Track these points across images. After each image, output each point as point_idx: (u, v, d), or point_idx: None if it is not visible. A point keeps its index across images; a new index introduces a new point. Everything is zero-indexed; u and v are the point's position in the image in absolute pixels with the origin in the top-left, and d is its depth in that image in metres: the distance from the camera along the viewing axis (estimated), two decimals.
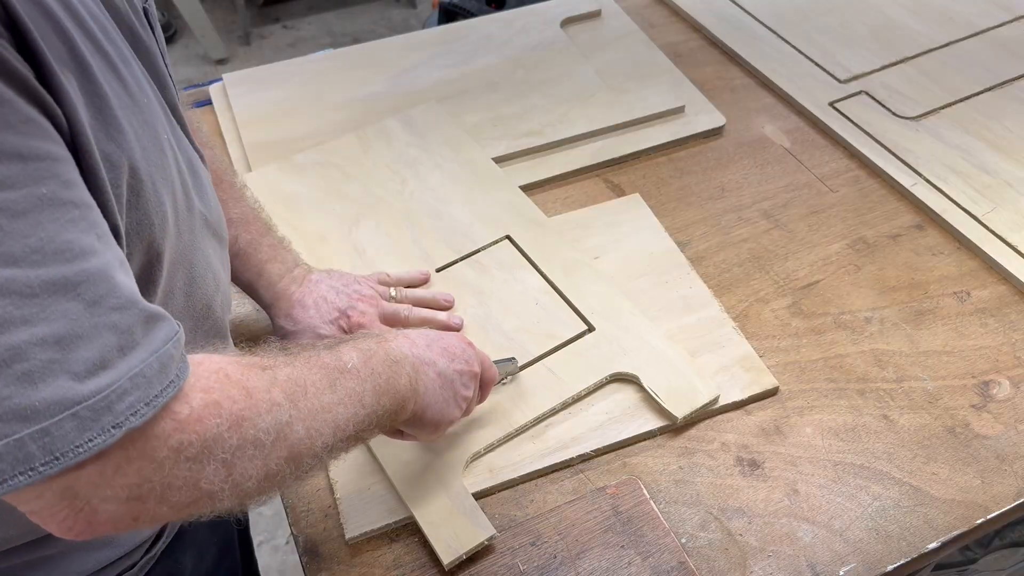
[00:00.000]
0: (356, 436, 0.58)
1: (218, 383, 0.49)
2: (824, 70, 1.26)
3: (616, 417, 0.82)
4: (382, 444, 0.78)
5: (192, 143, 0.66)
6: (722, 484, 0.78)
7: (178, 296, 0.61)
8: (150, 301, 0.48)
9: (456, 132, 1.13)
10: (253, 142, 1.14)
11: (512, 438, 0.80)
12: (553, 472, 0.79)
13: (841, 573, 0.72)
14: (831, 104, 1.20)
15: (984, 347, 0.89)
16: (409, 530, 0.75)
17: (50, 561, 0.64)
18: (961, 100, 1.20)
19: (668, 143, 1.15)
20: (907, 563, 0.73)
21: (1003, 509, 0.76)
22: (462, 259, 0.97)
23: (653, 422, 0.82)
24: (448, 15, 2.15)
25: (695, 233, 1.03)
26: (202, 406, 0.47)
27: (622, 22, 1.37)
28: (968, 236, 1.00)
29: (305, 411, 0.53)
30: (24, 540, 0.61)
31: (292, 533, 0.76)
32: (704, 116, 1.18)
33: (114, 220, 0.49)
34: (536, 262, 0.96)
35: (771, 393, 0.85)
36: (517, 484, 0.78)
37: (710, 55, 1.33)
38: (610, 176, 1.11)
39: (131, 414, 0.43)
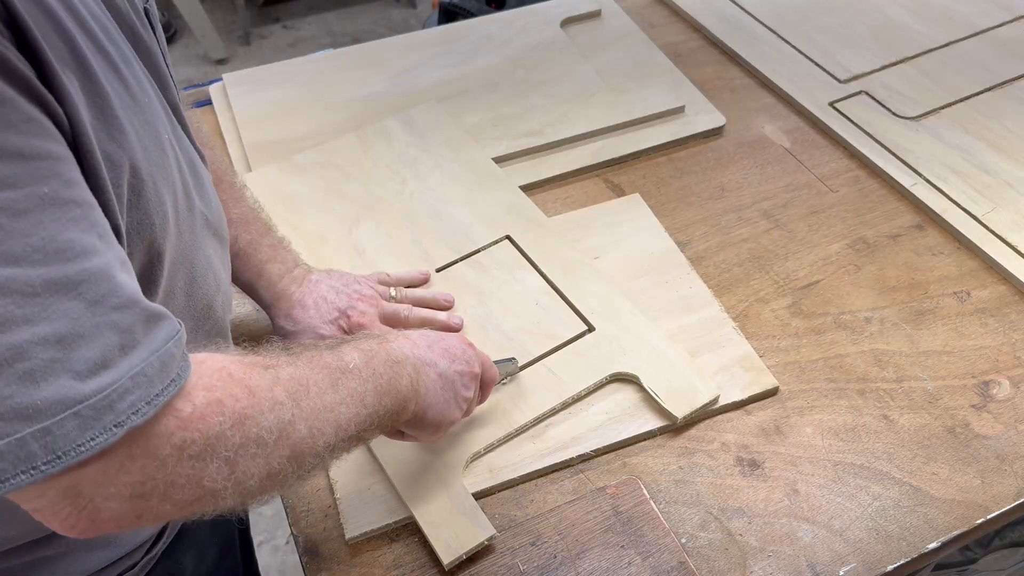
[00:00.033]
0: (358, 436, 0.58)
1: (221, 381, 0.49)
2: (824, 70, 1.26)
3: (616, 417, 0.82)
4: (382, 444, 0.78)
5: (193, 143, 0.66)
6: (722, 484, 0.78)
7: (179, 296, 0.61)
8: (151, 301, 0.48)
9: (456, 132, 1.13)
10: (253, 142, 1.14)
11: (512, 438, 0.81)
12: (553, 472, 0.79)
13: (841, 573, 0.72)
14: (831, 104, 1.20)
15: (984, 347, 0.89)
16: (409, 530, 0.75)
17: (51, 561, 0.64)
18: (961, 100, 1.20)
19: (668, 143, 1.15)
20: (907, 563, 0.73)
21: (1003, 509, 0.76)
22: (462, 259, 0.97)
23: (653, 422, 0.82)
24: (448, 15, 2.15)
25: (695, 233, 1.03)
26: (205, 404, 0.47)
27: (622, 22, 1.37)
28: (968, 236, 1.00)
29: (307, 410, 0.54)
30: (25, 540, 0.61)
31: (292, 533, 0.76)
32: (704, 116, 1.18)
33: (115, 220, 0.49)
34: (536, 262, 0.96)
35: (771, 393, 0.85)
36: (517, 484, 0.78)
37: (710, 55, 1.33)
38: (610, 176, 1.11)
39: (132, 413, 0.43)
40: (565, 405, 0.83)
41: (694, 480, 0.78)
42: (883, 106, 1.19)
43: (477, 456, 0.79)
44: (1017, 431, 0.82)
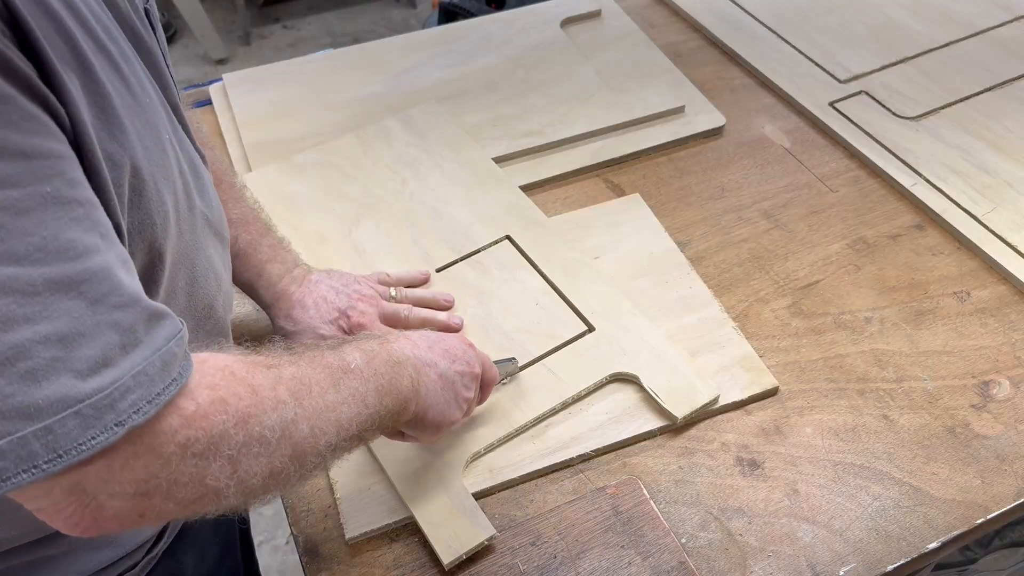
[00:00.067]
0: (359, 436, 0.58)
1: (224, 380, 0.49)
2: (824, 70, 1.26)
3: (616, 417, 0.82)
4: (382, 444, 0.78)
5: (194, 143, 0.66)
6: (722, 484, 0.78)
7: (180, 296, 0.62)
8: (153, 301, 0.48)
9: (456, 132, 1.13)
10: (253, 142, 1.14)
11: (512, 438, 0.81)
12: (553, 472, 0.79)
13: (841, 573, 0.72)
14: (831, 104, 1.20)
15: (984, 347, 0.89)
16: (409, 530, 0.75)
17: (52, 561, 0.64)
18: (961, 100, 1.20)
19: (668, 143, 1.15)
20: (907, 563, 0.73)
21: (1003, 509, 0.76)
22: (462, 259, 0.97)
23: (653, 422, 0.82)
24: (448, 15, 2.15)
25: (695, 233, 1.03)
26: (208, 403, 0.47)
27: (622, 22, 1.37)
28: (968, 236, 1.00)
29: (310, 409, 0.54)
30: (26, 540, 0.61)
31: (292, 533, 0.76)
32: (704, 116, 1.18)
33: (116, 219, 0.49)
34: (536, 262, 0.96)
35: (771, 393, 0.85)
36: (517, 484, 0.78)
37: (710, 55, 1.33)
38: (610, 176, 1.11)
39: (133, 412, 0.43)
40: (565, 405, 0.83)
41: (694, 480, 0.78)
42: (883, 106, 1.19)
43: (477, 456, 0.79)
44: (1017, 431, 0.82)
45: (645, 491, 0.77)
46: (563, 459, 0.79)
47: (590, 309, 0.91)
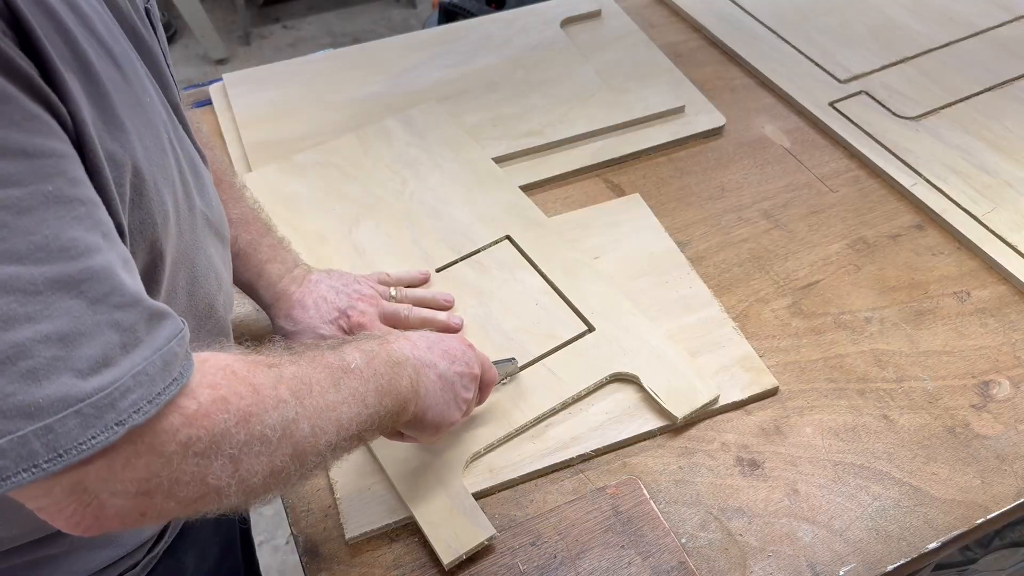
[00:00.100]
0: (359, 436, 0.59)
1: (225, 379, 0.49)
2: (824, 70, 1.26)
3: (616, 417, 0.82)
4: (382, 444, 0.78)
5: (194, 143, 0.66)
6: (722, 484, 0.78)
7: (181, 295, 0.62)
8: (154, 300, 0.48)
9: (456, 132, 1.13)
10: (253, 142, 1.14)
11: (512, 438, 0.81)
12: (553, 472, 0.79)
13: (841, 573, 0.72)
14: (831, 104, 1.20)
15: (984, 347, 0.89)
16: (409, 530, 0.75)
17: (53, 560, 0.64)
18: (961, 100, 1.20)
19: (668, 143, 1.15)
20: (907, 563, 0.73)
21: (1003, 509, 0.76)
22: (462, 259, 0.97)
23: (653, 422, 0.82)
24: (448, 15, 2.14)
25: (695, 233, 1.03)
26: (210, 402, 0.47)
27: (622, 22, 1.37)
28: (968, 236, 1.00)
29: (310, 409, 0.54)
30: (27, 539, 0.61)
31: (292, 533, 0.76)
32: (704, 116, 1.18)
33: (118, 218, 0.49)
34: (536, 262, 0.96)
35: (771, 393, 0.85)
36: (517, 484, 0.78)
37: (710, 55, 1.33)
38: (610, 176, 1.11)
39: (134, 412, 0.43)
40: (565, 405, 0.83)
41: (694, 480, 0.78)
42: (883, 106, 1.19)
43: (477, 456, 0.79)
44: (1017, 431, 0.82)
45: (645, 491, 0.77)
46: (563, 459, 0.79)
47: (590, 309, 0.91)
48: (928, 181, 1.07)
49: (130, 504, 0.45)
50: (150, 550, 0.72)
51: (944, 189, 1.06)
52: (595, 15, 1.39)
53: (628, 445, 0.81)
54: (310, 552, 0.74)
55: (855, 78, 1.24)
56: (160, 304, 0.47)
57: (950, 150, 1.12)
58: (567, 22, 1.37)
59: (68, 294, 0.42)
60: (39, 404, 0.40)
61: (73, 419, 0.41)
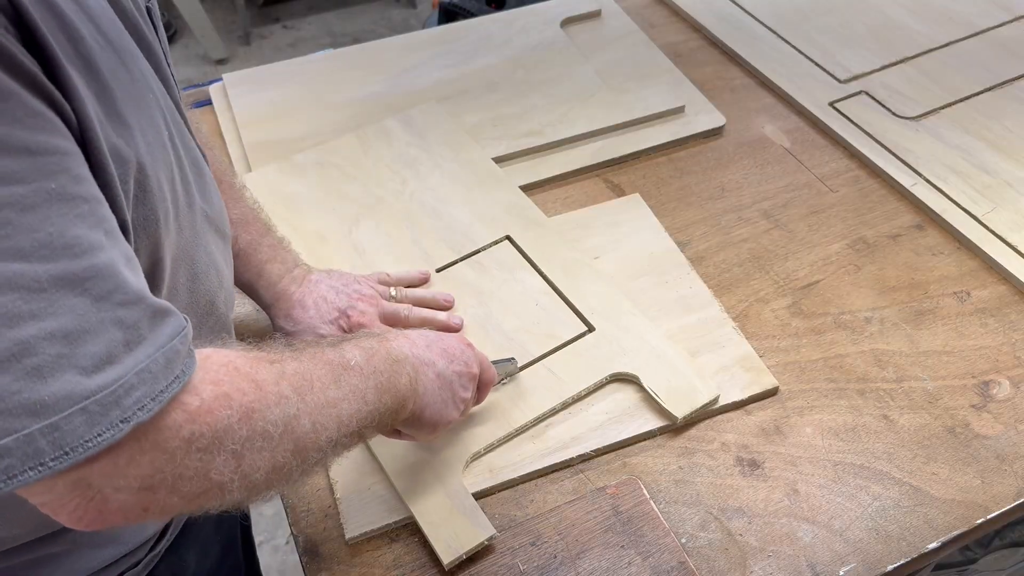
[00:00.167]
0: (359, 432, 0.59)
1: (228, 376, 0.49)
2: (824, 70, 1.26)
3: (616, 417, 0.82)
4: (381, 444, 0.78)
5: (196, 141, 0.66)
6: (722, 484, 0.78)
7: (182, 292, 0.62)
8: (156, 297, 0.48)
9: (456, 132, 1.13)
10: (253, 142, 1.14)
11: (512, 438, 0.81)
12: (553, 472, 0.79)
13: (841, 573, 0.72)
14: (831, 104, 1.20)
15: (984, 347, 0.89)
16: (409, 530, 0.75)
17: (55, 559, 0.64)
18: (961, 100, 1.20)
19: (668, 143, 1.15)
20: (907, 563, 0.73)
21: (1003, 509, 0.76)
22: (462, 259, 0.97)
23: (653, 422, 0.82)
24: (448, 15, 2.15)
25: (695, 233, 1.03)
26: (212, 398, 0.47)
27: (622, 22, 1.37)
28: (968, 236, 1.00)
29: (312, 405, 0.54)
30: (30, 538, 0.61)
31: (292, 533, 0.76)
32: (704, 116, 1.18)
33: (122, 215, 0.49)
34: (536, 262, 0.96)
35: (771, 393, 0.85)
36: (517, 484, 0.78)
37: (710, 55, 1.33)
38: (610, 176, 1.11)
39: (138, 409, 0.43)
40: (565, 405, 0.83)
41: (694, 480, 0.78)
42: (883, 106, 1.19)
43: (477, 456, 0.79)
44: (1017, 431, 0.82)
45: (645, 491, 0.77)
46: (563, 459, 0.79)
47: (590, 309, 0.91)
48: (928, 181, 1.07)
49: (133, 499, 0.46)
50: (152, 548, 0.72)
51: (944, 189, 1.06)
52: (595, 15, 1.39)
53: (628, 445, 0.81)
54: (310, 552, 0.74)
55: (855, 78, 1.24)
56: (163, 301, 0.47)
57: (950, 150, 1.12)
58: (567, 22, 1.37)
59: (72, 292, 0.42)
60: (44, 402, 0.40)
61: (79, 417, 0.41)
